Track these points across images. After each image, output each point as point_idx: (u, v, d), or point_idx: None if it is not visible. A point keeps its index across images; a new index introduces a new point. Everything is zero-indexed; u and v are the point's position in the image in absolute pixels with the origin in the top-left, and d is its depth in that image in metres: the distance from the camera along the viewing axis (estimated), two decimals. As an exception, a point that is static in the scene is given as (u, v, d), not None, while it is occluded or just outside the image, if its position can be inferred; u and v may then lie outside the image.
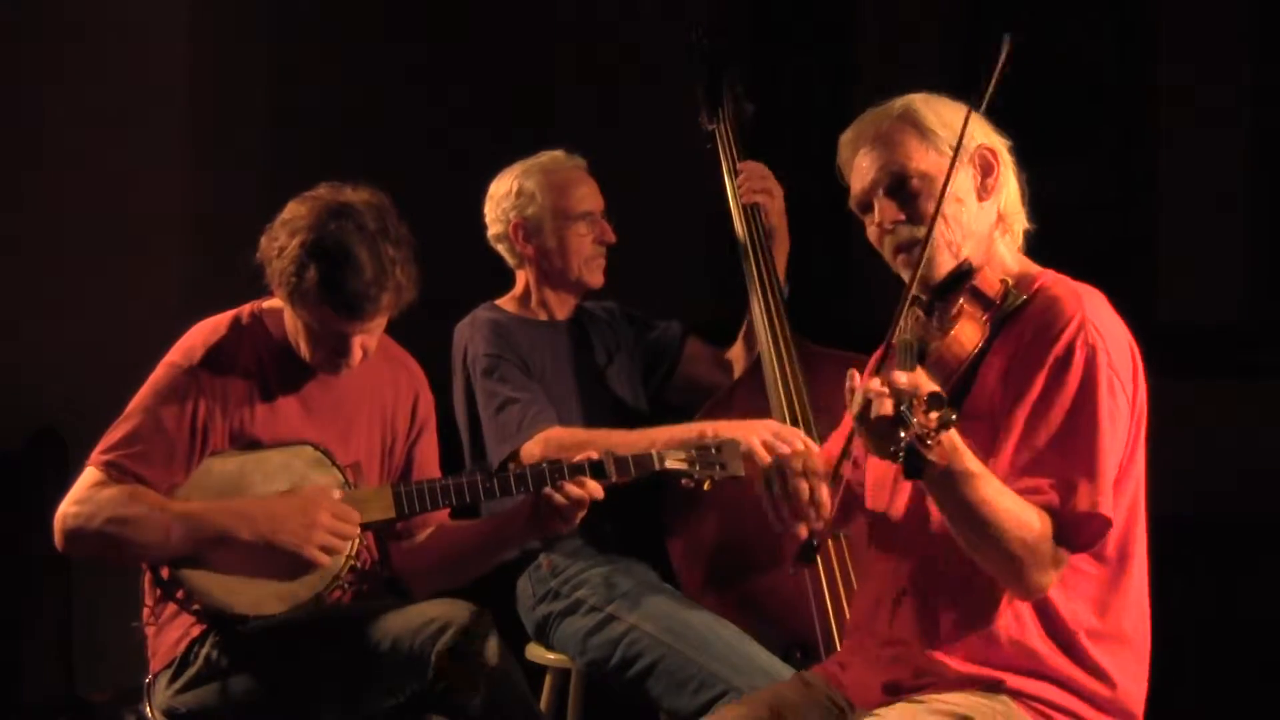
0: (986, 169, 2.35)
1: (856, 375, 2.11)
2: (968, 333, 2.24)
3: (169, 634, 2.84)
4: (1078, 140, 4.98)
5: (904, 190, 2.34)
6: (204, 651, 2.80)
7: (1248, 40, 4.84)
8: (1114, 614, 2.26)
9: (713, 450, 2.90)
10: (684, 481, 2.89)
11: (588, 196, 3.40)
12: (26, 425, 4.16)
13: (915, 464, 1.96)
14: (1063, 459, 2.17)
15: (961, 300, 2.28)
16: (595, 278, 3.40)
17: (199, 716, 2.80)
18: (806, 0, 5.13)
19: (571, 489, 2.79)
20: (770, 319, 3.34)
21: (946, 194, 2.29)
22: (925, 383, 2.03)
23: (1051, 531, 2.17)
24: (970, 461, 2.13)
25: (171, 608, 2.82)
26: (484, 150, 3.53)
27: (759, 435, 3.00)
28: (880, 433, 1.98)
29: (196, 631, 2.81)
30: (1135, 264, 4.94)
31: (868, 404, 2.01)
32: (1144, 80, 4.96)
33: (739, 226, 3.45)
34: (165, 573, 2.78)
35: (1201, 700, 4.21)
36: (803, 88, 4.90)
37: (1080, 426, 2.18)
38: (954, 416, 1.97)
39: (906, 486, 2.34)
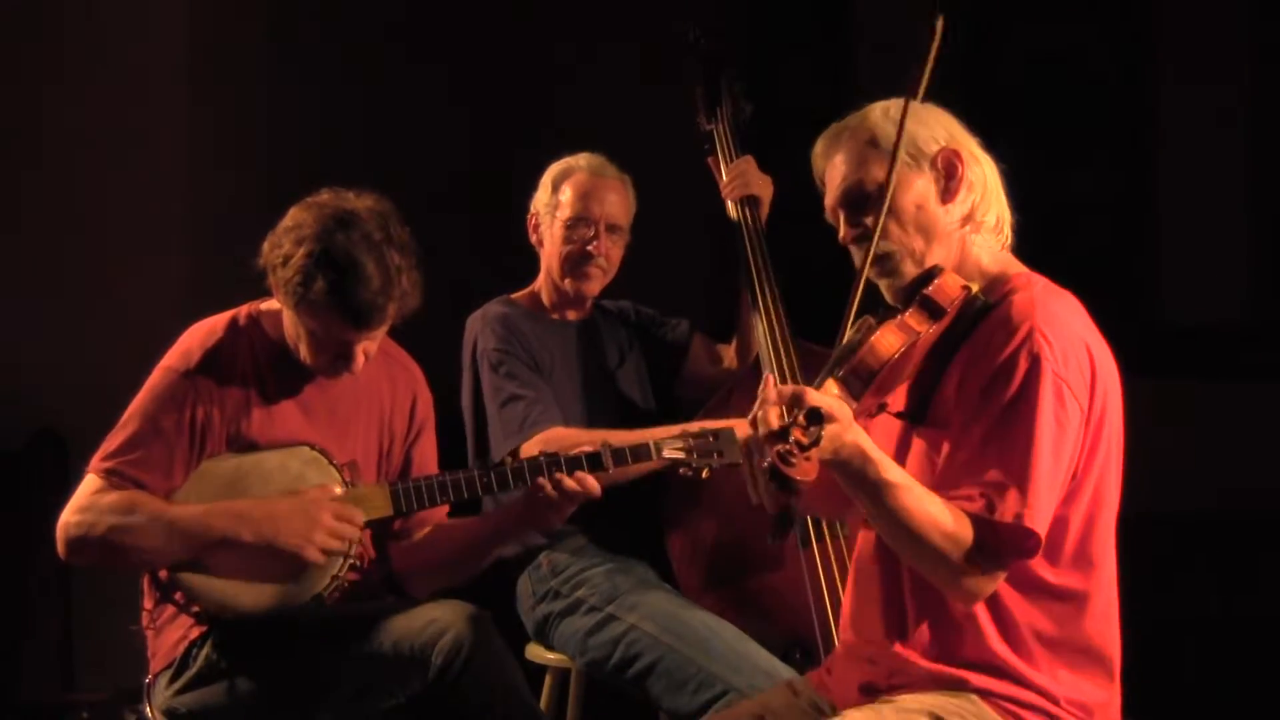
0: (949, 171, 2.33)
1: (772, 381, 2.15)
2: (886, 341, 2.24)
3: (169, 635, 2.85)
4: (1079, 141, 4.98)
5: (863, 204, 2.34)
6: (204, 652, 2.80)
7: (1248, 40, 4.83)
8: (1074, 621, 2.26)
9: (710, 439, 2.90)
10: (682, 470, 2.89)
11: (586, 203, 3.34)
12: (26, 425, 4.16)
13: (780, 481, 2.04)
14: (995, 467, 2.16)
15: (908, 309, 2.28)
16: (582, 285, 3.37)
17: (199, 717, 2.81)
18: (805, 0, 5.13)
19: (566, 482, 2.79)
20: (769, 322, 3.34)
21: (903, 203, 2.31)
22: (810, 397, 2.07)
23: (980, 540, 2.15)
24: (888, 471, 2.15)
25: (171, 609, 2.82)
26: (483, 150, 3.54)
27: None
28: (762, 445, 2.08)
29: (196, 633, 2.82)
30: (1137, 264, 4.94)
31: (757, 417, 2.10)
32: (1144, 81, 4.96)
33: (737, 228, 3.45)
34: (164, 575, 2.78)
35: (1204, 699, 4.21)
36: (802, 88, 4.90)
37: (1015, 435, 2.16)
38: (822, 435, 2.04)
39: None
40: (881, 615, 2.33)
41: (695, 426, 3.08)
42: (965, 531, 2.15)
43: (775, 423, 2.07)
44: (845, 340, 2.27)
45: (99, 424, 2.85)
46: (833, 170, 2.39)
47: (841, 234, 2.39)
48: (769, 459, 2.04)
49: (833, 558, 3.12)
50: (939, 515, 2.15)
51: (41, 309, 4.25)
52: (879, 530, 2.24)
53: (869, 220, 2.33)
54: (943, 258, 2.33)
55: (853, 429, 2.14)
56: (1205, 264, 4.84)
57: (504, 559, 3.23)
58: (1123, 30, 4.99)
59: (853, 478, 2.16)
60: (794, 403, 2.07)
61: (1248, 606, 4.47)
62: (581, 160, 3.40)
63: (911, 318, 2.27)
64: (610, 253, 3.37)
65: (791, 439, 2.03)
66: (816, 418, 2.05)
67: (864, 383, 2.23)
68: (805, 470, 2.05)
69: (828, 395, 2.15)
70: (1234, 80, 4.84)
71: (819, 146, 2.42)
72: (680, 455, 2.88)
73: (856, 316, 2.32)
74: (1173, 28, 4.89)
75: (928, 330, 2.26)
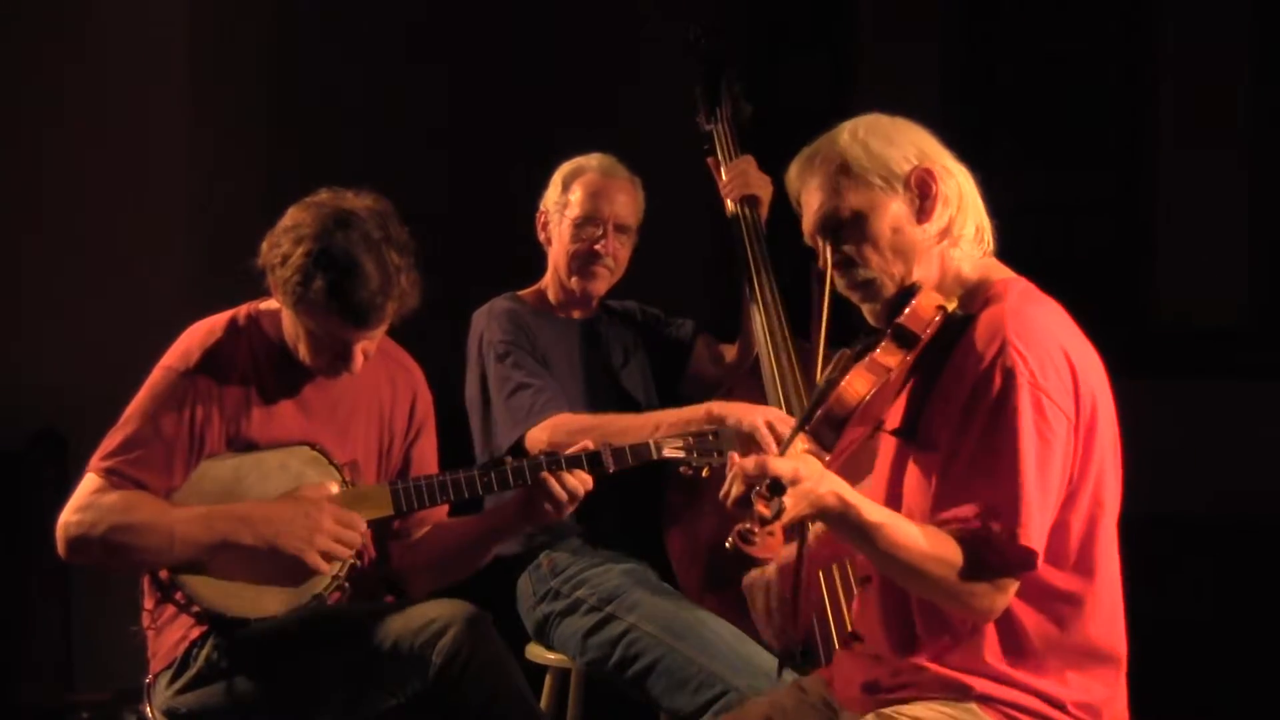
0: (924, 190, 2.31)
1: (736, 457, 2.19)
2: (854, 387, 2.25)
3: (169, 635, 2.85)
4: (1079, 141, 4.98)
5: (842, 233, 2.33)
6: (204, 653, 2.80)
7: (1248, 40, 4.84)
8: (1080, 623, 2.25)
9: (710, 438, 2.91)
10: (682, 469, 2.90)
11: (596, 203, 3.36)
12: (26, 425, 4.16)
13: (742, 559, 2.10)
14: (983, 488, 2.16)
15: (880, 344, 2.28)
16: (589, 284, 3.39)
17: (199, 717, 2.80)
18: (806, 0, 5.13)
19: (568, 480, 2.80)
20: (769, 321, 3.35)
21: (880, 229, 2.30)
22: (772, 467, 2.10)
23: (979, 561, 2.16)
24: (869, 513, 2.17)
25: (171, 609, 2.82)
26: (484, 149, 3.54)
27: (762, 416, 3.04)
28: (734, 512, 2.12)
29: (196, 633, 2.82)
30: (1136, 265, 4.94)
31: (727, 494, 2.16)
32: (1144, 81, 4.96)
33: (736, 228, 3.45)
34: (164, 575, 2.78)
35: (1208, 698, 4.21)
36: (802, 88, 4.90)
37: (999, 453, 2.16)
38: (784, 506, 2.07)
39: (876, 482, 2.39)
40: (887, 619, 2.32)
41: (704, 409, 3.09)
42: (957, 555, 2.16)
43: (738, 493, 2.12)
44: (820, 380, 2.28)
45: (99, 424, 2.84)
46: (808, 196, 2.37)
47: (821, 262, 2.38)
48: (730, 540, 2.08)
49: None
50: (929, 545, 2.16)
51: (42, 309, 4.25)
52: (879, 569, 2.26)
53: (849, 248, 2.32)
54: (923, 276, 2.32)
55: (825, 480, 2.16)
56: (1203, 265, 4.84)
57: (504, 558, 3.24)
58: (1123, 31, 5.00)
59: (837, 525, 2.19)
60: (756, 475, 2.10)
61: (1244, 607, 4.48)
62: (592, 160, 3.41)
63: (883, 354, 2.27)
64: (618, 253, 3.38)
65: (755, 512, 2.06)
66: (778, 488, 2.07)
67: (836, 431, 2.25)
68: (768, 546, 2.11)
69: (793, 454, 2.18)
70: (1233, 81, 4.84)
71: (792, 170, 2.41)
72: (680, 454, 2.89)
73: (831, 344, 2.34)
74: (1173, 28, 4.89)
75: (901, 361, 2.27)
